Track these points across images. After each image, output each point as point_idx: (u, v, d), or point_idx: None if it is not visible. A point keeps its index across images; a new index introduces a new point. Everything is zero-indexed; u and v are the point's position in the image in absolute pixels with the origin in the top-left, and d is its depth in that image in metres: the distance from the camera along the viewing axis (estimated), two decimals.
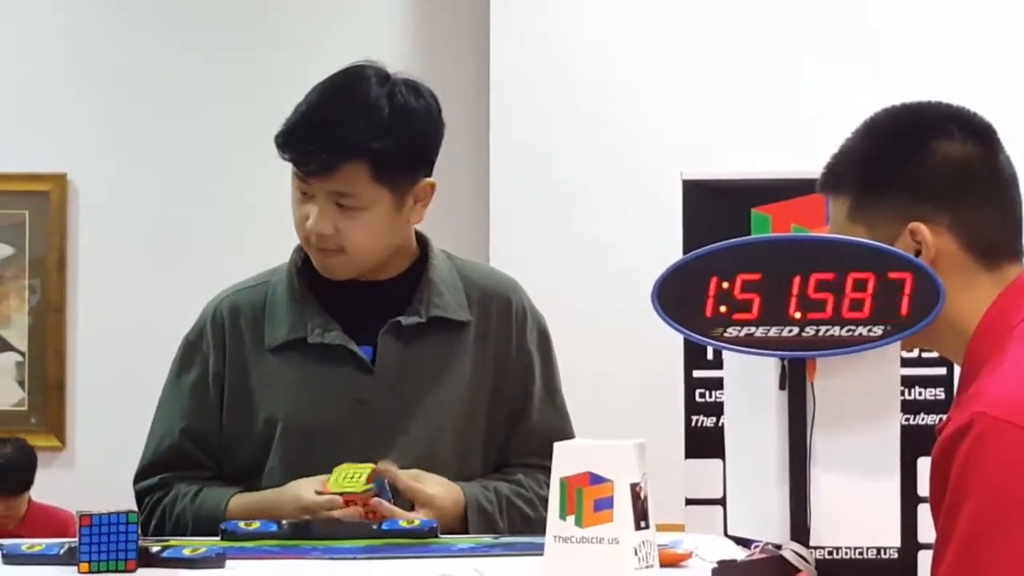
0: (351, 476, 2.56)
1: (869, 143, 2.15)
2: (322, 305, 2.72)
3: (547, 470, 2.20)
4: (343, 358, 2.69)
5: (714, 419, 4.05)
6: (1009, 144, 2.16)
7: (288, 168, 2.71)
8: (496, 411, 2.76)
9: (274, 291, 2.76)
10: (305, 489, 2.58)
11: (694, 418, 4.11)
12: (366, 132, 2.61)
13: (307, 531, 2.47)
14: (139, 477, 2.77)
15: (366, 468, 2.57)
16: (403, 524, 2.48)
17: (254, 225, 5.91)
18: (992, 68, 5.48)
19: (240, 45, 6.17)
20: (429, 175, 2.72)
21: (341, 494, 2.55)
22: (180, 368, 2.78)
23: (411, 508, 2.59)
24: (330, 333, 2.69)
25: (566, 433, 2.78)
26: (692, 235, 4.06)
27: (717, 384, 3.98)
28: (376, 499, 2.55)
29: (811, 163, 2.36)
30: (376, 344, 2.70)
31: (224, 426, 2.73)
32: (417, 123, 2.67)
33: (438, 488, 2.62)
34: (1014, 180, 2.13)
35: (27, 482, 5.75)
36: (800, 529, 2.09)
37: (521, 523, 2.68)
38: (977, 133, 2.12)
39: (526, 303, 2.83)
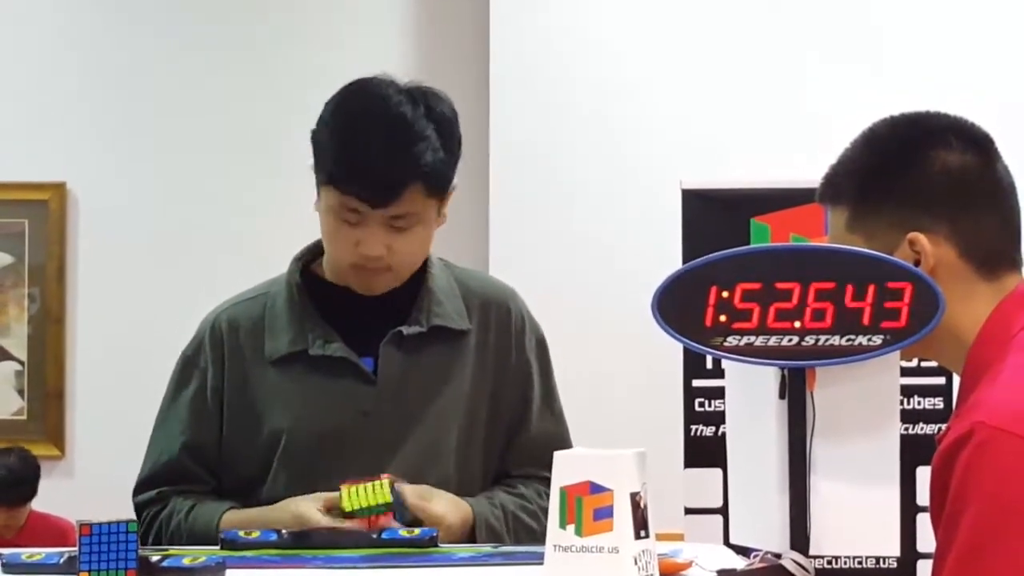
0: (367, 492, 2.55)
1: (868, 153, 2.15)
2: (322, 316, 2.72)
3: (546, 480, 2.21)
4: (345, 370, 2.69)
5: (713, 428, 4.06)
6: (1010, 142, 2.16)
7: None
8: (495, 419, 2.76)
9: (273, 303, 2.76)
10: (306, 508, 2.57)
11: (693, 427, 4.12)
12: (421, 154, 2.61)
13: (307, 540, 2.47)
14: (137, 490, 2.78)
15: (380, 483, 2.56)
16: (403, 534, 2.48)
17: (254, 233, 5.91)
18: (993, 68, 5.49)
19: (240, 48, 6.17)
20: None
21: (357, 514, 2.54)
22: (179, 383, 2.78)
23: (417, 523, 2.58)
24: (331, 345, 2.69)
25: (565, 440, 2.79)
26: (691, 244, 4.07)
27: (716, 393, 4.00)
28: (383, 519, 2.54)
29: (810, 173, 2.37)
30: (377, 355, 2.70)
31: (225, 439, 2.73)
32: (453, 129, 2.68)
33: (446, 507, 2.62)
34: (1012, 189, 2.14)
35: (30, 493, 5.74)
36: (800, 538, 2.09)
37: (526, 537, 2.68)
38: (975, 142, 2.13)
39: (524, 311, 2.83)
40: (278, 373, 2.71)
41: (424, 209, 2.66)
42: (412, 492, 2.58)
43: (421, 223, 2.67)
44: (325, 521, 2.54)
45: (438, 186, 2.66)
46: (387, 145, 2.61)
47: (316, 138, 2.69)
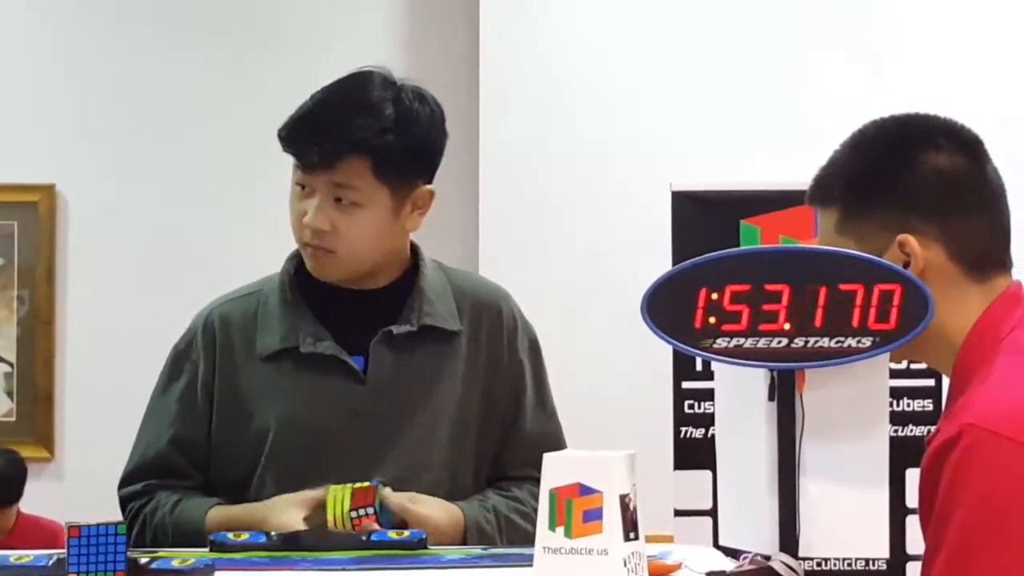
0: (352, 494, 2.56)
1: (857, 156, 2.15)
2: (314, 314, 2.72)
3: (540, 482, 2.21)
4: (335, 368, 2.69)
5: (703, 430, 4.06)
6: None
7: (282, 180, 2.71)
8: (488, 420, 2.76)
9: (266, 300, 2.76)
10: (291, 515, 2.57)
11: (683, 429, 4.12)
12: (369, 128, 2.63)
13: (296, 543, 2.47)
14: (123, 483, 2.78)
15: (365, 486, 2.56)
16: (392, 536, 2.48)
17: (245, 235, 5.90)
18: (987, 69, 5.48)
19: (230, 50, 6.17)
20: (429, 182, 2.73)
21: (340, 516, 2.55)
22: (169, 376, 2.78)
23: (404, 526, 2.58)
24: (322, 343, 2.69)
25: (559, 441, 2.79)
26: (681, 246, 4.07)
27: (706, 395, 4.00)
28: (367, 521, 2.54)
29: (801, 175, 2.36)
30: (367, 353, 2.70)
31: (214, 435, 2.73)
32: (420, 126, 2.68)
33: (432, 508, 2.62)
34: (1002, 191, 2.14)
35: (16, 495, 5.73)
36: (789, 540, 2.09)
37: (521, 540, 2.68)
38: (965, 144, 2.13)
39: (516, 312, 2.84)
40: (268, 370, 2.71)
41: (371, 190, 2.65)
42: (397, 496, 2.58)
43: (367, 206, 2.65)
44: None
45: (385, 169, 2.64)
46: (333, 110, 2.65)
47: None
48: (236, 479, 2.71)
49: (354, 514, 2.55)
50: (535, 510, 2.68)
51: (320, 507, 2.58)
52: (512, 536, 2.69)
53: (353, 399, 2.68)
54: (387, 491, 2.59)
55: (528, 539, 2.63)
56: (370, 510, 2.56)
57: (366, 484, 2.57)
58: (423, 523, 2.56)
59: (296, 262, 2.78)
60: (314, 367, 2.69)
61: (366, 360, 2.70)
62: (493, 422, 2.77)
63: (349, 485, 2.57)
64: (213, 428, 2.73)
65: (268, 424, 2.69)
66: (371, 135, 2.62)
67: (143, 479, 2.74)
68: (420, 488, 2.65)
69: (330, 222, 2.65)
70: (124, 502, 2.76)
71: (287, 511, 2.58)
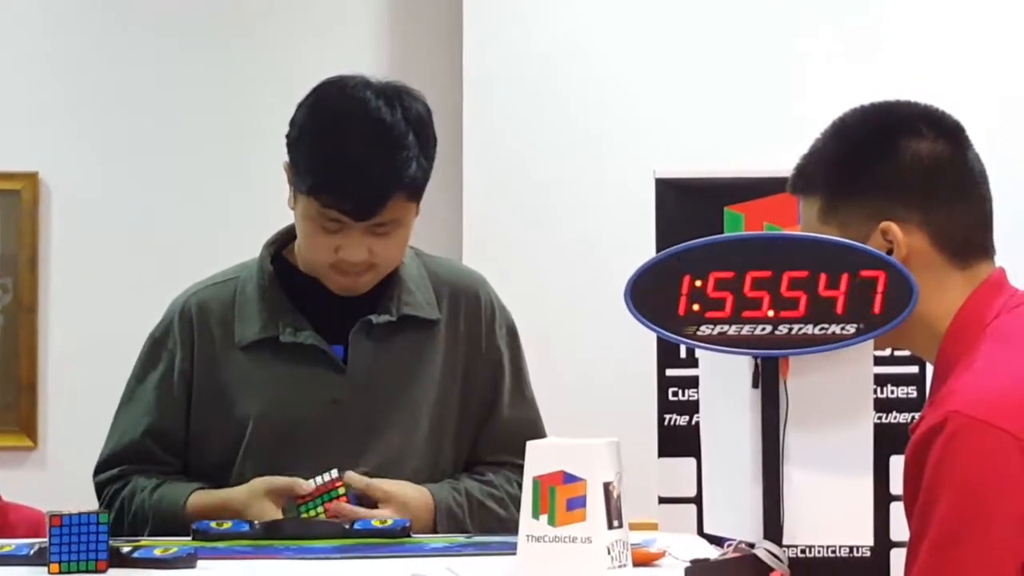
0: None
1: (839, 143, 2.15)
2: (292, 303, 2.71)
3: (518, 468, 2.21)
4: (315, 357, 2.69)
5: (687, 417, 4.06)
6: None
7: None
8: (467, 406, 2.76)
9: (243, 288, 2.75)
10: (263, 507, 2.58)
11: (667, 416, 4.12)
12: (404, 165, 2.62)
13: (279, 531, 2.47)
14: (99, 469, 2.77)
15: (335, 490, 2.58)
16: (375, 524, 2.48)
17: (230, 224, 5.88)
18: (988, 64, 5.48)
19: (214, 42, 6.15)
20: None
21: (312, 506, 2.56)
22: (146, 364, 2.77)
23: (374, 507, 2.58)
24: (302, 333, 2.69)
25: (537, 426, 2.79)
26: (665, 233, 4.07)
27: (690, 383, 4.00)
28: (336, 503, 2.54)
29: (783, 162, 2.36)
30: (347, 343, 2.70)
31: (192, 424, 2.72)
32: (429, 131, 2.68)
33: (398, 485, 2.62)
34: (984, 178, 2.14)
35: None
36: (773, 527, 2.09)
37: (493, 524, 2.68)
38: (946, 131, 2.13)
39: (494, 299, 2.84)
40: (247, 359, 2.70)
41: (406, 213, 2.67)
42: (361, 478, 2.58)
43: (402, 226, 2.67)
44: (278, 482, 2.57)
45: (420, 191, 2.67)
46: (370, 159, 2.61)
47: (293, 144, 2.67)
48: (215, 467, 2.70)
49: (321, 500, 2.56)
50: (509, 495, 2.70)
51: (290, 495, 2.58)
52: (484, 521, 2.69)
53: (333, 389, 2.68)
54: (350, 474, 2.58)
55: (501, 524, 2.65)
56: (341, 490, 2.56)
57: (329, 480, 2.57)
58: (390, 498, 2.56)
59: (273, 249, 2.77)
60: (294, 357, 2.69)
61: (345, 350, 2.70)
62: (472, 409, 2.77)
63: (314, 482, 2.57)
64: (191, 417, 2.72)
65: (248, 413, 2.68)
66: (408, 170, 2.62)
67: (118, 465, 2.74)
68: (401, 476, 2.65)
69: (368, 250, 2.65)
70: (100, 487, 2.75)
71: (260, 503, 2.58)
